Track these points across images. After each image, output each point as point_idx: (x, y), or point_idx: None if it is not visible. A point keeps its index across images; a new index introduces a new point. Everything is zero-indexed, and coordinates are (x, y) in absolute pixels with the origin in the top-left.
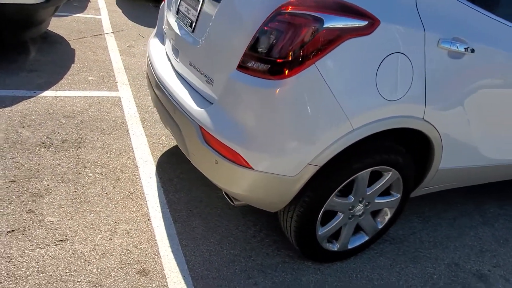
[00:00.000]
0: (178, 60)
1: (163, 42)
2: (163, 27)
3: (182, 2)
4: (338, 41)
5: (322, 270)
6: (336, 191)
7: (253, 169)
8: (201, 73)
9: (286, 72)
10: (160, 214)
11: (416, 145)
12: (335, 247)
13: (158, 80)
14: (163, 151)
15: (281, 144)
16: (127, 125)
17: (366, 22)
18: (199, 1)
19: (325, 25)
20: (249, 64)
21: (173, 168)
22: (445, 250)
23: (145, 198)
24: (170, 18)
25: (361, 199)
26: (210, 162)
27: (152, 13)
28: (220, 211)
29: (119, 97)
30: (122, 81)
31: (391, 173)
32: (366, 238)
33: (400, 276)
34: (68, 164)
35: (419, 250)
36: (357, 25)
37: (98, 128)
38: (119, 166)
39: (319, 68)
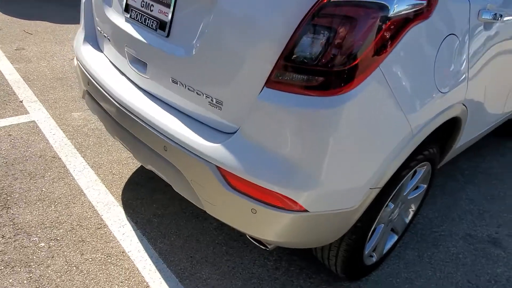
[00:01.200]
0: (145, 75)
1: (101, 49)
2: (98, 29)
3: None
4: (402, 32)
5: (362, 286)
6: (385, 205)
7: (308, 211)
8: (197, 93)
9: (346, 83)
10: (159, 275)
11: (440, 128)
12: (374, 258)
13: (122, 106)
14: (122, 184)
15: (342, 175)
16: (60, 159)
17: (425, 2)
18: None
19: (391, 13)
20: (287, 78)
21: (145, 204)
22: (453, 222)
23: (129, 257)
24: (114, 17)
25: (399, 203)
26: (243, 211)
27: (37, 1)
28: (225, 246)
29: (33, 121)
30: (29, 99)
31: (425, 167)
32: (396, 237)
33: (434, 267)
34: (3, 237)
35: (433, 230)
36: (419, 8)
37: (23, 173)
38: (75, 221)
39: (383, 71)
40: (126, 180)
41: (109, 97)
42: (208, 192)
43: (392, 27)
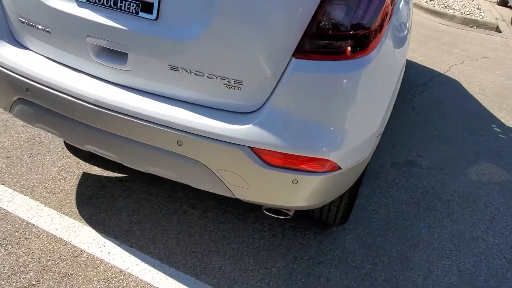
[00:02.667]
0: (124, 67)
1: (26, 46)
2: (22, 20)
3: None
4: None
5: (346, 227)
6: None
7: (340, 168)
8: (208, 77)
9: (369, 44)
10: (172, 280)
11: None
12: None
13: (103, 107)
14: (73, 201)
15: (364, 128)
16: None
17: None
18: None
19: None
20: (316, 47)
21: (113, 215)
22: (379, 156)
23: (130, 274)
24: (58, 3)
25: None
26: (283, 185)
27: None
28: (218, 231)
29: None
30: None
31: None
32: None
33: (384, 195)
34: None
35: (406, 219)
36: None
37: None
38: (42, 257)
39: (386, 33)
40: (74, 196)
41: (77, 100)
42: (241, 176)
43: None
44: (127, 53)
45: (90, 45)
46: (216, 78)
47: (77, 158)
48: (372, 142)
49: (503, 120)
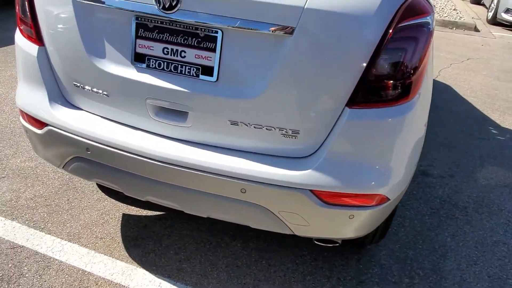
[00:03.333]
0: (185, 124)
1: (79, 106)
2: (77, 84)
3: (146, 43)
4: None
5: (380, 243)
6: None
7: (389, 199)
8: (267, 129)
9: (415, 88)
10: None
11: None
12: None
13: (167, 163)
14: (120, 244)
15: (410, 161)
16: (23, 246)
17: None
18: (213, 37)
19: (431, 28)
20: (368, 96)
21: (161, 254)
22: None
23: None
24: (116, 69)
25: None
26: (340, 221)
27: None
28: (266, 260)
29: None
30: None
31: None
32: None
33: (403, 204)
34: None
35: (430, 229)
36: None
37: None
38: None
39: (428, 68)
40: (120, 238)
41: (139, 157)
42: (302, 216)
43: (431, 39)
44: (188, 112)
45: (149, 106)
46: (275, 129)
47: (113, 200)
48: (414, 169)
49: (498, 122)
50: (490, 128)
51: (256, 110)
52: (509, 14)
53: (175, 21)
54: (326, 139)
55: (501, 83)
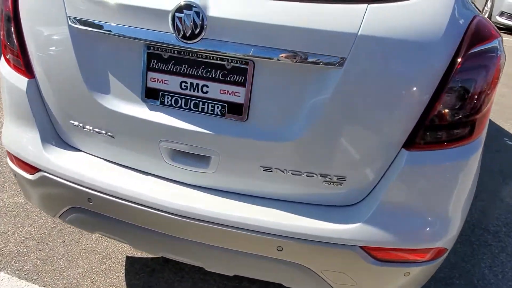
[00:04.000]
0: (207, 170)
1: (78, 147)
2: (76, 124)
3: (160, 77)
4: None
5: None
6: None
7: (447, 250)
8: (307, 175)
9: (481, 125)
10: None
11: None
12: None
13: (186, 217)
14: None
15: (469, 204)
16: None
17: None
18: (243, 69)
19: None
20: (429, 136)
21: None
22: None
23: None
24: (122, 107)
25: None
26: (396, 278)
27: None
28: None
29: None
30: None
31: None
32: None
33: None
34: None
35: (465, 261)
36: None
37: None
38: None
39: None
40: None
41: (152, 210)
42: (349, 275)
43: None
44: (211, 156)
45: (164, 149)
46: (316, 176)
47: (114, 240)
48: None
49: (511, 131)
50: (505, 139)
51: (294, 155)
52: (504, 17)
53: (197, 52)
54: (377, 185)
55: (508, 90)
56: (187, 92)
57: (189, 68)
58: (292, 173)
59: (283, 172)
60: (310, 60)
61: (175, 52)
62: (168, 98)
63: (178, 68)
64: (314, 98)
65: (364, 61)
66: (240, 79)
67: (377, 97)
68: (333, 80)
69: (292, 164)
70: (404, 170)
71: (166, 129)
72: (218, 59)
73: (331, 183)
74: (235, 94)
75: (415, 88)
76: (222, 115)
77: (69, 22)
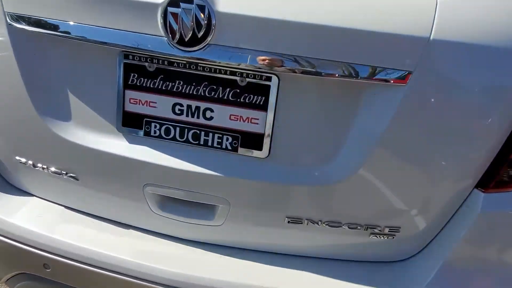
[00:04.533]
0: (212, 223)
1: (28, 190)
2: (23, 161)
3: (144, 97)
4: None
5: None
6: None
7: None
8: (350, 227)
9: None
10: None
11: None
12: None
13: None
14: None
15: None
16: None
17: None
18: (263, 87)
19: None
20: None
21: None
22: None
23: None
24: (89, 140)
25: None
26: None
27: None
28: None
29: None
30: None
31: None
32: None
33: None
34: None
35: None
36: None
37: None
38: None
39: None
40: None
41: (135, 279)
42: None
43: None
44: (217, 206)
45: (151, 195)
46: (361, 227)
47: None
48: None
49: None
50: None
51: (333, 202)
52: None
53: (199, 63)
54: (438, 234)
55: None
56: (182, 118)
57: (186, 85)
58: (329, 225)
59: (317, 224)
60: (361, 75)
61: (166, 63)
62: (155, 126)
63: (170, 85)
64: (363, 127)
65: (436, 75)
66: (259, 100)
67: (450, 122)
68: (393, 102)
69: (330, 213)
70: (478, 217)
71: (153, 170)
72: (228, 72)
73: (381, 236)
74: (252, 121)
75: (500, 110)
76: (234, 150)
77: (8, 20)
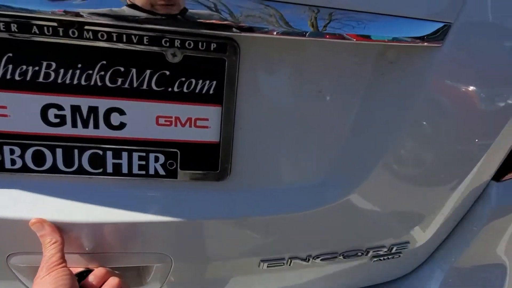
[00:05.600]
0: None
1: None
2: None
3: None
4: None
5: None
6: None
7: None
8: (349, 254)
9: None
10: None
11: None
12: None
13: None
14: None
15: None
16: None
17: None
18: (214, 61)
19: None
20: None
21: None
22: None
23: None
24: None
25: None
26: None
27: None
28: None
29: None
30: None
31: None
32: None
33: None
34: None
35: None
36: None
37: None
38: None
39: None
40: None
41: None
42: None
43: None
44: (149, 266)
45: (16, 268)
46: (363, 253)
47: None
48: None
49: None
50: None
51: (326, 228)
52: None
53: (83, 22)
54: (443, 242)
55: None
56: (66, 130)
57: (66, 70)
58: (321, 260)
59: (306, 261)
60: (374, 36)
61: (21, 28)
62: (12, 152)
63: (33, 72)
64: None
65: (478, 35)
66: (207, 86)
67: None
68: (424, 74)
69: (321, 245)
70: (493, 212)
71: (18, 229)
72: (147, 41)
73: (384, 258)
74: (198, 123)
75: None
76: (170, 175)
77: None
